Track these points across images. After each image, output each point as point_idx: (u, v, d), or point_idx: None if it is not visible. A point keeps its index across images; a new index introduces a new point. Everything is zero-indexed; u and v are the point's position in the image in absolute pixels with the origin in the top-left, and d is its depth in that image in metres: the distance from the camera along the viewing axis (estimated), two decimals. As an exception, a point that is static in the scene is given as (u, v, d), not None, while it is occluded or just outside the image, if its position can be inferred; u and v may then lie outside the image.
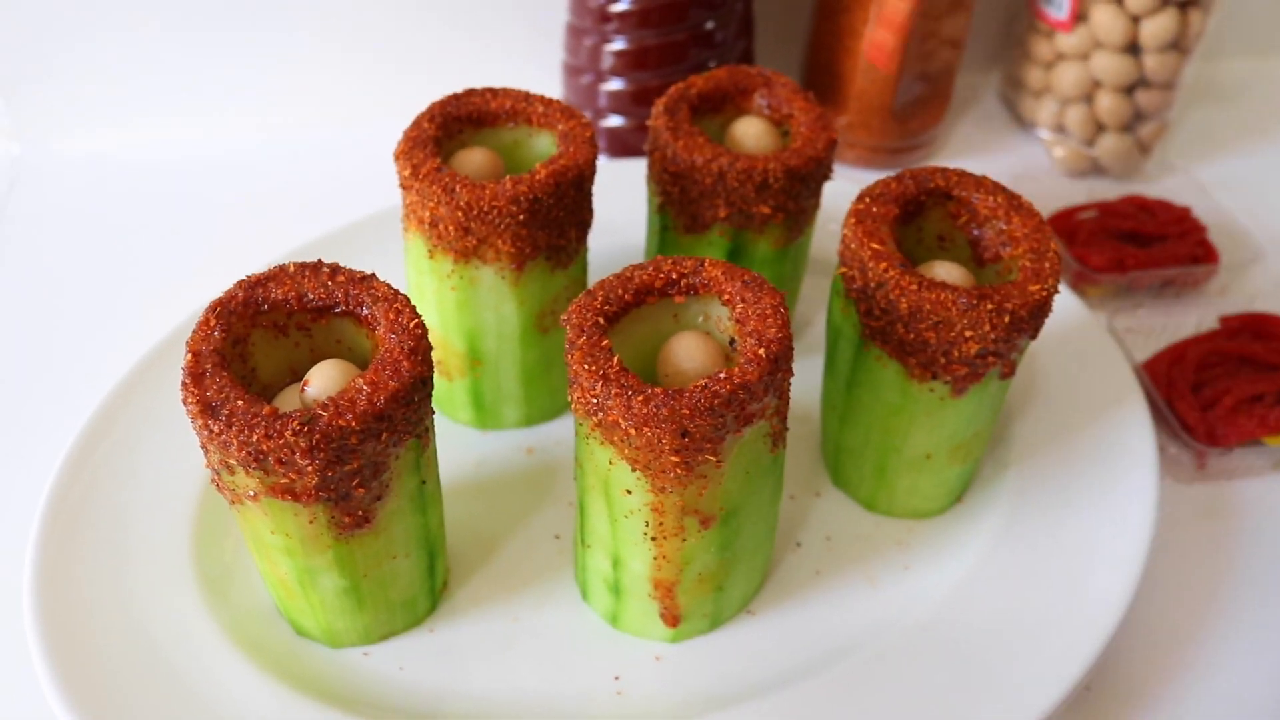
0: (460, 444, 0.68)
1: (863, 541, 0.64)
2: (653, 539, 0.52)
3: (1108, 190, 0.91)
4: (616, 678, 0.57)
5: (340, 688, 0.55)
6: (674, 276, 0.52)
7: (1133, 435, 0.67)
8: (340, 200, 0.87)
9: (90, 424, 0.62)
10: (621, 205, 0.77)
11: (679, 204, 0.64)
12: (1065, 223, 0.85)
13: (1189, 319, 0.79)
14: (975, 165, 0.95)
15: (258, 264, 0.74)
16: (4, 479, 0.67)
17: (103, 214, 0.87)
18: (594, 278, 0.72)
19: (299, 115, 0.95)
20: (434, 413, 0.52)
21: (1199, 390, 0.73)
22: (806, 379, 0.69)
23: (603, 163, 0.84)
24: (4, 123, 0.90)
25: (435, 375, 0.66)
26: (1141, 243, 0.84)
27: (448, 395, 0.68)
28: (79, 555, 0.57)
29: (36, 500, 0.59)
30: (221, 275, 0.75)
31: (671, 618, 0.57)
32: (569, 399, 0.51)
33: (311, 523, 0.49)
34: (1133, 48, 0.88)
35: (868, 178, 0.93)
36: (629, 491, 0.51)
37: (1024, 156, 0.98)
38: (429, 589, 0.58)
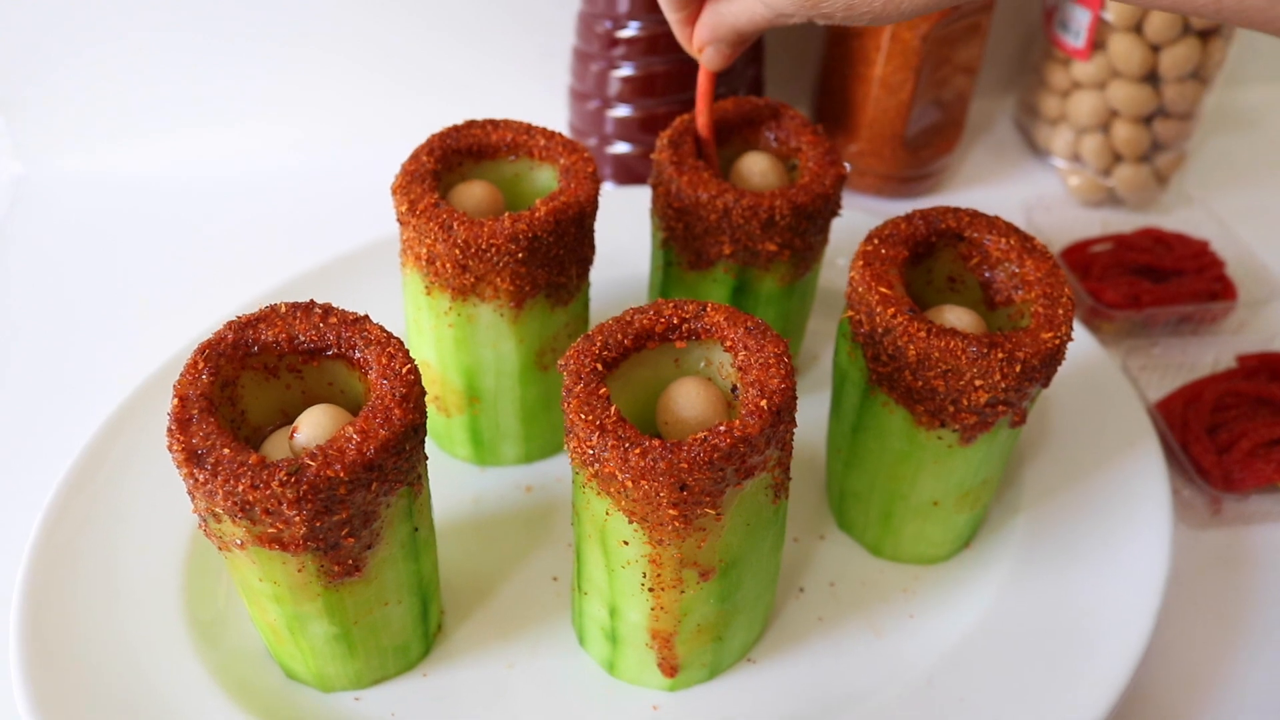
0: (458, 480, 0.67)
1: (867, 588, 0.63)
2: (650, 590, 0.51)
3: (1123, 221, 0.89)
4: (613, 728, 0.56)
5: (329, 735, 0.54)
6: (675, 321, 0.51)
7: (1146, 481, 0.65)
8: (342, 222, 0.86)
9: (80, 460, 0.61)
10: (626, 234, 0.75)
11: (683, 240, 0.63)
12: (1079, 256, 0.84)
13: (1205, 357, 0.77)
14: (988, 194, 0.95)
15: (259, 287, 0.74)
16: (2, 500, 0.66)
17: (104, 234, 0.86)
18: (596, 310, 0.71)
19: (302, 135, 0.94)
20: (427, 458, 0.51)
21: (1215, 432, 0.71)
22: (812, 416, 0.67)
23: (608, 189, 0.83)
24: (6, 142, 0.90)
25: (433, 411, 0.65)
26: (1157, 278, 0.83)
27: (445, 431, 0.66)
28: (67, 594, 0.56)
29: (27, 533, 0.58)
30: (222, 297, 0.75)
31: (669, 668, 0.56)
32: (566, 447, 0.49)
33: (300, 571, 0.47)
34: (1151, 77, 0.87)
35: (878, 207, 0.93)
36: (626, 542, 0.49)
37: (1038, 185, 0.96)
38: (422, 633, 0.57)
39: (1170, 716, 0.60)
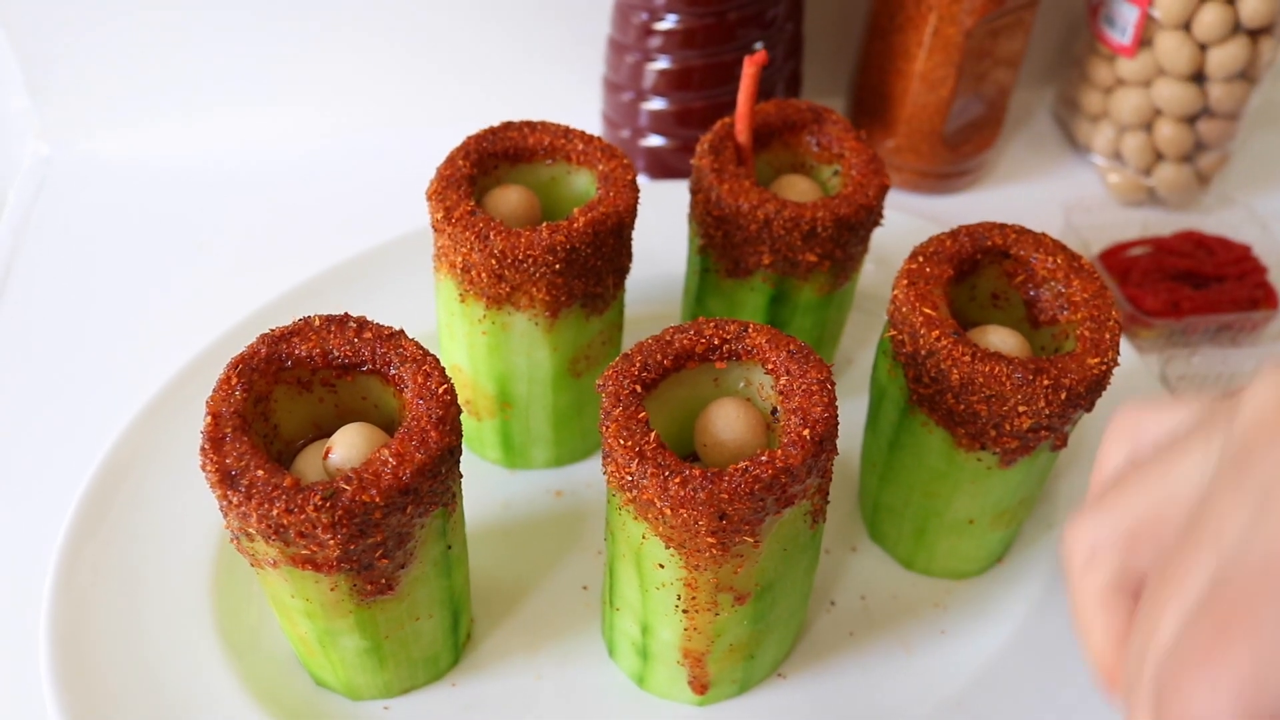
0: (487, 483, 0.66)
1: (899, 602, 0.62)
2: (684, 611, 0.50)
3: (1163, 222, 0.87)
4: (641, 742, 0.56)
5: (358, 746, 0.54)
6: (716, 342, 0.50)
7: (1184, 498, 0.64)
8: (375, 211, 0.85)
9: (107, 460, 0.61)
10: (661, 232, 0.74)
11: (721, 248, 0.62)
12: (1117, 260, 0.82)
13: (1247, 367, 0.76)
14: (1026, 191, 0.93)
15: (290, 279, 0.73)
16: (29, 495, 0.66)
17: (131, 217, 0.85)
18: (631, 311, 0.70)
19: (335, 121, 0.93)
20: (462, 476, 0.51)
21: (1254, 447, 0.70)
22: (846, 422, 0.66)
23: (641, 184, 0.82)
24: (33, 123, 0.89)
25: (464, 415, 0.65)
26: (1198, 284, 0.81)
27: (476, 435, 0.66)
28: (94, 599, 0.56)
29: (54, 528, 0.58)
30: (251, 287, 0.74)
31: (700, 686, 0.55)
32: (603, 470, 0.49)
33: (333, 590, 0.47)
34: (1197, 76, 0.84)
35: (914, 204, 0.91)
36: (662, 566, 0.49)
37: (1077, 183, 0.94)
38: (452, 644, 0.56)
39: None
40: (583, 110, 0.90)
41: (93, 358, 0.74)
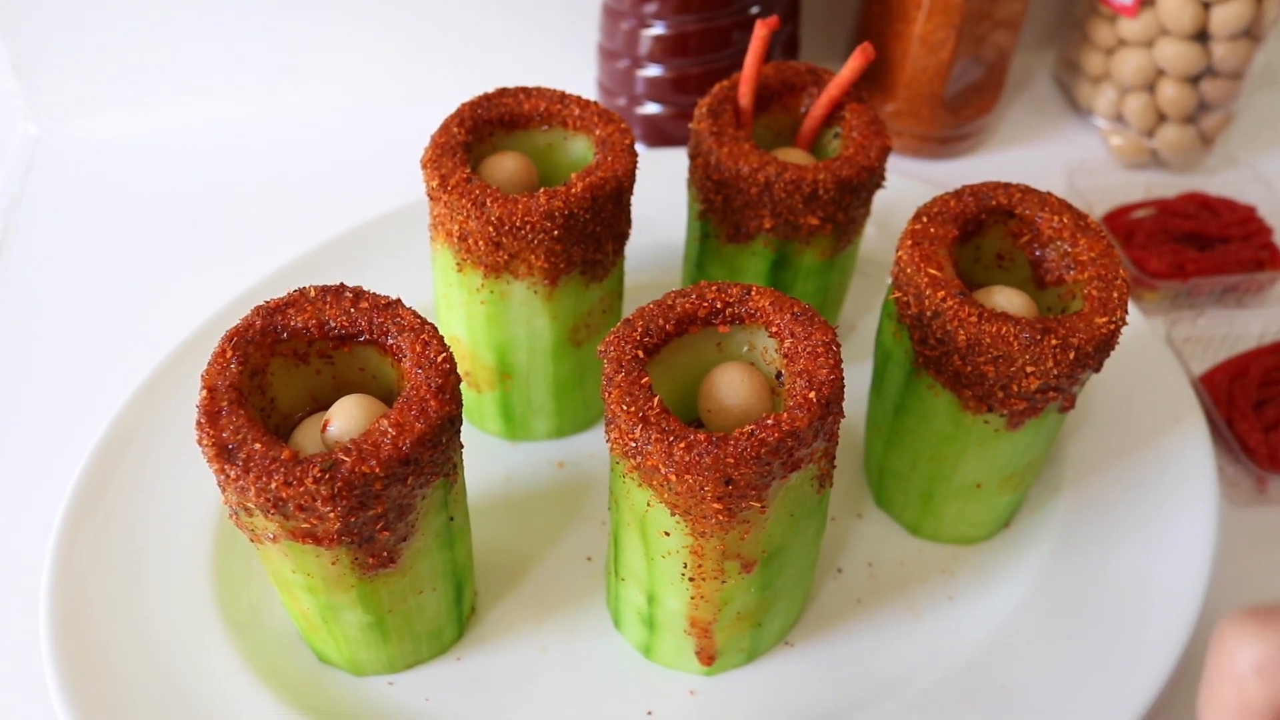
0: (489, 456, 0.66)
1: (906, 569, 0.62)
2: (691, 580, 0.50)
3: (1166, 184, 0.87)
4: (649, 713, 0.55)
5: (364, 721, 0.54)
6: (719, 305, 0.49)
7: (1191, 458, 0.64)
8: (368, 187, 0.84)
9: (104, 440, 0.60)
10: (659, 200, 0.73)
11: (722, 212, 0.61)
12: (1121, 222, 0.81)
13: (1252, 329, 0.75)
14: (1027, 155, 0.92)
15: (284, 255, 0.72)
16: (25, 478, 0.65)
17: (121, 197, 0.84)
18: (630, 279, 0.69)
19: (325, 96, 0.92)
20: (463, 446, 0.50)
21: (1261, 408, 0.69)
22: (850, 388, 0.65)
23: (639, 151, 0.81)
24: (21, 104, 0.87)
25: (463, 387, 0.64)
26: (1202, 245, 0.80)
27: (476, 407, 0.65)
28: (95, 577, 0.55)
29: (53, 507, 0.57)
30: (245, 264, 0.73)
31: (707, 656, 0.55)
32: (606, 437, 0.48)
33: (334, 564, 0.46)
34: (1200, 35, 0.83)
35: (915, 168, 0.90)
36: (667, 533, 0.48)
37: (1079, 146, 0.93)
38: (456, 618, 0.56)
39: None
40: (577, 79, 0.89)
41: (86, 338, 0.74)
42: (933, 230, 0.54)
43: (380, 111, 0.91)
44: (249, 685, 0.53)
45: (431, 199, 0.56)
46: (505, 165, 0.57)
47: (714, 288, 0.49)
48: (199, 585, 0.56)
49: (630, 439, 0.45)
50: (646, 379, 0.46)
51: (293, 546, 0.45)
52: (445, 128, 0.57)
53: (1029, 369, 0.50)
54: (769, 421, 0.44)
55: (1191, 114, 0.88)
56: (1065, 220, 0.55)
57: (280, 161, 0.88)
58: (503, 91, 0.59)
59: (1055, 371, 0.50)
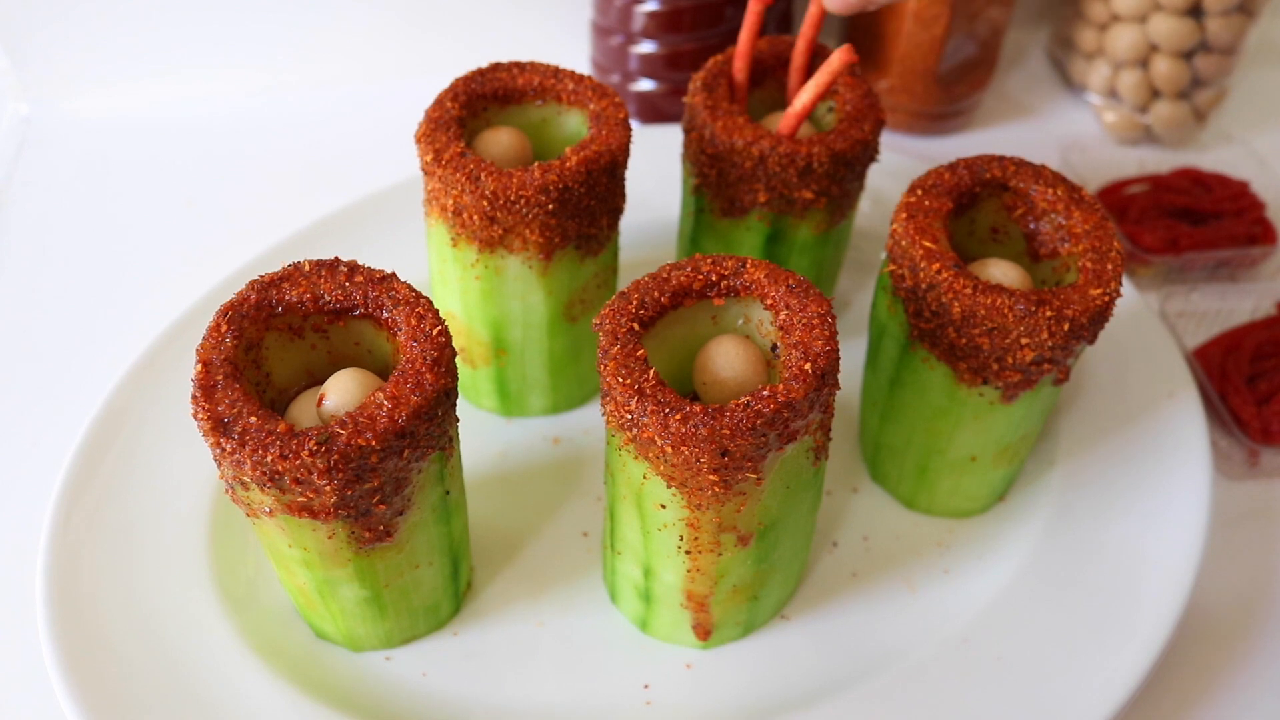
0: (484, 432, 0.66)
1: (901, 542, 0.62)
2: (687, 552, 0.50)
3: (1160, 160, 0.87)
4: (646, 686, 0.55)
5: (361, 696, 0.54)
6: (713, 278, 0.49)
7: (1185, 432, 0.64)
8: (362, 164, 0.84)
9: (99, 418, 0.60)
10: (652, 177, 0.73)
11: (716, 186, 0.61)
12: (1115, 197, 0.81)
13: (1245, 304, 0.75)
14: (1021, 131, 0.92)
15: (278, 233, 0.72)
16: (19, 458, 0.65)
17: (114, 176, 0.84)
18: (625, 256, 0.69)
19: (319, 72, 0.91)
20: (459, 420, 0.50)
21: (1254, 382, 0.69)
22: (845, 364, 0.65)
23: (633, 128, 0.81)
24: (12, 82, 0.87)
25: (459, 363, 0.64)
26: (1196, 220, 0.80)
27: (471, 383, 0.65)
28: (91, 553, 0.55)
29: (47, 488, 0.57)
30: (239, 243, 0.73)
31: (703, 630, 0.55)
32: (602, 410, 0.48)
33: (330, 538, 0.46)
34: (1194, 10, 0.83)
35: (909, 145, 0.90)
36: (663, 506, 0.48)
37: (1072, 122, 0.93)
38: (453, 592, 0.56)
39: (1206, 672, 0.59)
40: (570, 57, 0.88)
41: (81, 316, 0.73)
42: (927, 203, 0.54)
43: (375, 87, 0.91)
44: (246, 661, 0.53)
45: (426, 174, 0.56)
46: (499, 140, 0.57)
47: (709, 260, 0.49)
48: (195, 561, 0.56)
49: (626, 411, 0.45)
50: (642, 351, 0.46)
51: (289, 521, 0.45)
52: (439, 102, 0.57)
53: (1024, 341, 0.50)
54: (765, 393, 0.44)
55: (1185, 90, 0.87)
56: (1059, 193, 0.55)
57: (274, 138, 0.88)
58: (496, 66, 0.59)
59: (1050, 343, 0.50)
